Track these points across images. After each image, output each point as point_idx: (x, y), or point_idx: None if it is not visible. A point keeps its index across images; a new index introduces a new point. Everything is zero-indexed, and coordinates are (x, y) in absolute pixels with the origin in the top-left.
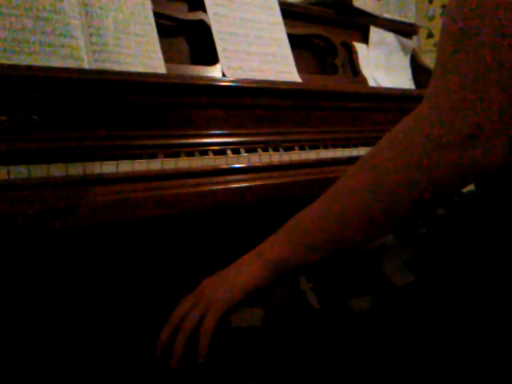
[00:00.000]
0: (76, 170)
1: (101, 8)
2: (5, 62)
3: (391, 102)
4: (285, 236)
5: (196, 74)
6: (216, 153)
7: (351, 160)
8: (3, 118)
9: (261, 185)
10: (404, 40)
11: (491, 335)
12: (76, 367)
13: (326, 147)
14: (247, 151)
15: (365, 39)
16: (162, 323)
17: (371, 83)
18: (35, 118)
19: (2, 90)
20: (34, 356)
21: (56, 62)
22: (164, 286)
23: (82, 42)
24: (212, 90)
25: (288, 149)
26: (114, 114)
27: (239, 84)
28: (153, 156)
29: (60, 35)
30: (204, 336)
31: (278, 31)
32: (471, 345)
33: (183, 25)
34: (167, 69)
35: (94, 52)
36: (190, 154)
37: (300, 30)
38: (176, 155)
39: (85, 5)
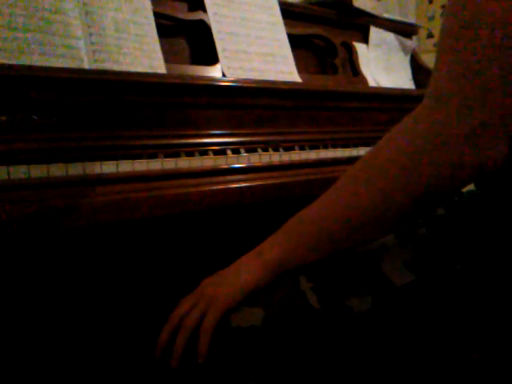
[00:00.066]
0: (76, 169)
1: (101, 8)
2: (5, 61)
3: (391, 102)
4: (285, 236)
5: (196, 74)
6: (216, 153)
7: (351, 160)
8: (3, 117)
9: (261, 185)
10: (404, 40)
11: (491, 335)
12: (76, 367)
13: (325, 147)
14: (247, 151)
15: (365, 39)
16: (162, 323)
17: (371, 83)
18: (35, 117)
19: (2, 90)
20: (34, 356)
21: (56, 62)
22: (164, 286)
23: (81, 42)
24: (212, 89)
25: (288, 149)
26: (114, 113)
27: (239, 84)
28: (153, 156)
29: (60, 35)
30: (204, 336)
31: (278, 31)
32: (471, 345)
33: (183, 25)
34: (167, 69)
35: (93, 52)
36: (189, 154)
37: (300, 30)
38: (176, 155)
39: (85, 5)
